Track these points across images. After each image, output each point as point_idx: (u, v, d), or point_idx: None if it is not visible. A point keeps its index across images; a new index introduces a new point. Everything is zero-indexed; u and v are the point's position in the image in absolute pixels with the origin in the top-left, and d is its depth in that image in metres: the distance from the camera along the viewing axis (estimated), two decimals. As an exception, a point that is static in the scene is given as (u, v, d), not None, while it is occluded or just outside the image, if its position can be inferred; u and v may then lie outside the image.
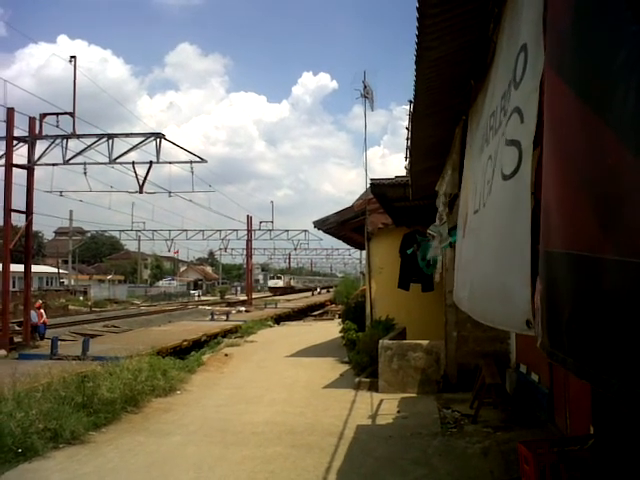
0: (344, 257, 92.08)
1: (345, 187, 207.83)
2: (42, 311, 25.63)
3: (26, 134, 21.79)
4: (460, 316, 12.33)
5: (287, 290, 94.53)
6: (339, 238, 25.96)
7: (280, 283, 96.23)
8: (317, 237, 61.37)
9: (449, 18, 4.69)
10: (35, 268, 32.19)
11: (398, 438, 8.94)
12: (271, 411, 10.96)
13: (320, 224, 20.53)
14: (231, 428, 9.70)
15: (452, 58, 5.48)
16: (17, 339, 22.08)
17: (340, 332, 18.39)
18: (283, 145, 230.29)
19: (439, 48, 5.19)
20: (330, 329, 24.81)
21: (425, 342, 12.66)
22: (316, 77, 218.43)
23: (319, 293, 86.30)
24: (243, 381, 14.29)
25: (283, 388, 13.29)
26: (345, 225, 19.92)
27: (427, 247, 12.18)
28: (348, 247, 54.47)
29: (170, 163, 24.09)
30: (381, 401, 11.53)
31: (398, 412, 10.73)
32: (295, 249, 71.69)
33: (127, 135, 22.83)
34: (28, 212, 21.86)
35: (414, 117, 7.38)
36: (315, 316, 44.23)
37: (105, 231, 77.31)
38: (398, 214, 15.73)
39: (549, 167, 2.30)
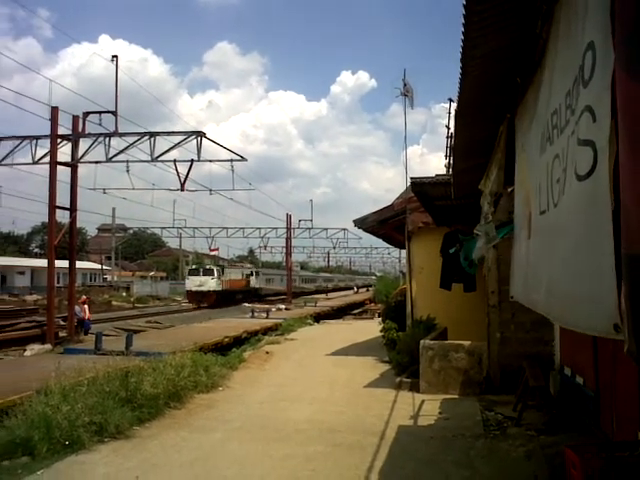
0: (383, 256, 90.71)
1: (383, 185, 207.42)
2: (86, 306, 26.16)
3: (69, 132, 22.12)
4: (503, 317, 12.20)
5: (225, 296, 57.22)
6: (379, 237, 25.87)
7: (210, 284, 56.48)
8: (356, 235, 61.31)
9: (495, 15, 4.64)
10: (79, 264, 32.77)
11: (440, 439, 8.86)
12: (312, 409, 10.99)
13: (360, 223, 20.49)
14: (273, 425, 9.75)
15: (497, 55, 5.42)
16: (62, 334, 22.52)
17: (380, 331, 18.32)
18: (321, 143, 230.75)
19: (484, 45, 5.14)
20: (370, 328, 24.73)
21: (467, 343, 12.54)
22: (355, 75, 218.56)
23: (356, 292, 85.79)
24: (284, 378, 14.35)
25: (324, 386, 13.30)
26: (385, 224, 19.84)
27: (470, 247, 12.05)
28: (387, 246, 54.20)
29: (211, 161, 24.20)
30: (422, 402, 11.45)
31: (440, 413, 10.64)
32: (334, 247, 71.58)
33: (169, 133, 23.03)
34: (72, 209, 22.19)
35: (458, 115, 7.31)
36: (355, 315, 44.20)
37: (147, 228, 78.21)
38: (439, 213, 15.61)
39: (626, 167, 2.25)
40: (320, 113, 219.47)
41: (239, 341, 22.40)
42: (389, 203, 19.60)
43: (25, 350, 19.43)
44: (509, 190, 8.15)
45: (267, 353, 18.25)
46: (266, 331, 26.01)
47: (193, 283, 57.68)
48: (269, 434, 9.22)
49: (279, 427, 9.62)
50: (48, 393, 9.14)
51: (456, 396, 11.95)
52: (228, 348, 20.20)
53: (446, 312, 16.06)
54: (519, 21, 4.84)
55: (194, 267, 62.02)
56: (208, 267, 61.36)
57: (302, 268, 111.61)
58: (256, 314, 34.56)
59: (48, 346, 19.77)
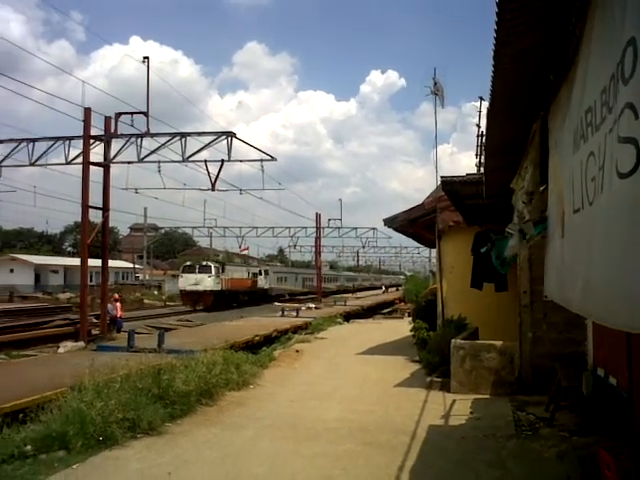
0: (413, 255, 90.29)
1: (413, 185, 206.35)
2: (118, 304, 26.49)
3: (102, 133, 22.39)
4: (535, 317, 12.09)
5: (225, 297, 50.94)
6: (409, 236, 25.79)
7: (207, 282, 49.58)
8: (386, 235, 61.07)
9: (527, 13, 4.62)
10: (111, 263, 33.14)
11: (471, 439, 8.82)
12: (342, 408, 11.00)
13: (390, 222, 20.46)
14: (303, 424, 9.79)
15: (530, 53, 5.39)
16: (94, 331, 22.81)
17: (410, 331, 18.27)
18: (350, 143, 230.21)
19: (517, 43, 5.12)
20: (400, 327, 24.67)
21: (499, 343, 12.45)
22: (384, 75, 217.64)
23: (385, 291, 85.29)
24: (314, 377, 14.39)
25: (354, 385, 13.31)
26: (415, 223, 19.78)
27: (502, 246, 11.97)
28: (417, 245, 54.06)
29: (241, 161, 24.28)
30: (453, 401, 11.40)
31: (471, 413, 10.59)
32: (363, 247, 71.49)
33: (199, 134, 23.17)
34: (105, 208, 22.44)
35: (489, 114, 7.28)
36: (384, 314, 44.09)
37: (178, 228, 78.75)
38: (470, 212, 15.52)
39: None
40: (349, 113, 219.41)
41: (269, 340, 22.50)
42: (419, 202, 19.54)
43: (59, 347, 19.68)
44: (541, 189, 8.09)
45: (297, 352, 18.31)
46: (296, 330, 26.07)
47: (187, 282, 50.16)
48: (299, 432, 9.27)
49: (309, 425, 9.66)
50: (82, 389, 9.29)
51: (487, 396, 11.88)
52: (258, 346, 20.31)
53: (477, 312, 15.95)
54: (552, 18, 4.80)
55: (188, 263, 53.96)
56: (205, 263, 52.82)
57: (331, 267, 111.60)
58: (286, 313, 34.68)
59: (81, 343, 20.01)
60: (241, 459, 7.93)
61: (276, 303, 51.41)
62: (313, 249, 65.76)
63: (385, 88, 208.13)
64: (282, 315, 33.63)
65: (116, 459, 7.84)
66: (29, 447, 7.92)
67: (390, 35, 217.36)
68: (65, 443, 8.01)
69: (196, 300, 48.41)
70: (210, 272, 50.40)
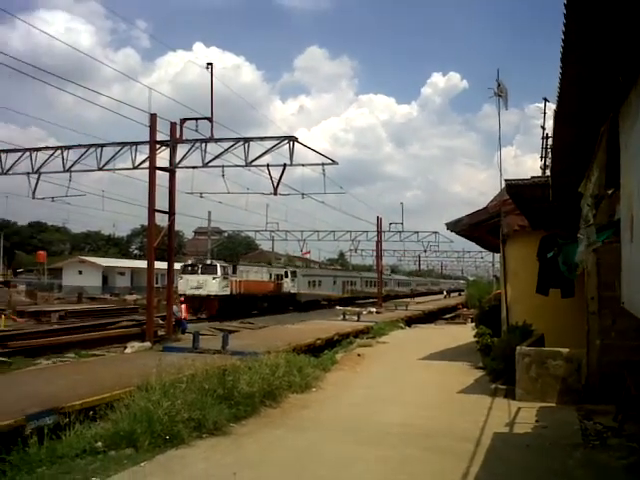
0: (475, 260, 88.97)
1: (476, 188, 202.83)
2: (183, 306, 27.04)
3: (167, 138, 22.87)
4: (603, 324, 11.78)
5: (236, 303, 43.42)
6: (472, 240, 25.49)
7: (211, 286, 41.69)
8: (447, 239, 60.31)
9: (596, 15, 4.53)
10: (177, 266, 33.66)
11: (536, 448, 8.65)
12: (405, 413, 10.95)
13: (452, 225, 20.26)
14: (366, 427, 9.78)
15: (599, 55, 5.28)
16: (160, 332, 23.32)
17: (474, 337, 18.04)
18: (412, 146, 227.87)
19: (585, 45, 5.02)
20: (462, 333, 24.40)
21: (565, 350, 12.17)
22: (445, 77, 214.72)
23: (446, 296, 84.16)
24: (376, 381, 14.37)
25: (417, 390, 13.24)
26: (478, 227, 19.52)
27: (569, 251, 11.72)
28: (480, 249, 53.35)
29: (303, 165, 24.39)
30: (518, 409, 11.18)
31: (536, 421, 10.37)
32: (425, 251, 70.81)
33: (262, 139, 23.41)
34: (170, 212, 22.92)
35: (557, 115, 7.17)
36: (447, 319, 43.66)
37: (241, 231, 79.77)
38: (535, 216, 15.22)
39: None
40: (410, 115, 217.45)
41: (331, 343, 22.58)
42: (482, 206, 19.30)
43: (126, 347, 20.18)
44: (609, 192, 7.90)
45: (359, 356, 18.33)
46: (357, 334, 26.11)
47: (188, 284, 41.92)
48: (362, 436, 9.26)
49: (372, 429, 9.65)
50: (149, 389, 9.47)
51: (553, 404, 11.62)
52: (320, 350, 20.40)
53: (542, 318, 15.61)
54: (622, 19, 4.69)
55: (190, 262, 46.62)
56: (209, 262, 44.84)
57: (392, 271, 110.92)
58: (347, 317, 34.71)
59: (147, 344, 20.47)
60: (305, 461, 7.99)
61: (337, 307, 51.16)
62: (374, 253, 65.51)
63: (447, 90, 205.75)
64: (343, 319, 33.69)
65: (182, 458, 7.99)
66: (99, 444, 8.16)
67: (451, 37, 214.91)
68: (133, 441, 8.20)
69: (198, 307, 40.28)
70: (215, 273, 42.49)
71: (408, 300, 66.77)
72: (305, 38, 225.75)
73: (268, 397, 11.15)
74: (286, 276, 55.09)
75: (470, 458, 7.98)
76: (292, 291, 55.28)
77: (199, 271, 42.74)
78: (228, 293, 42.86)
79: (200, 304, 40.67)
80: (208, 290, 41.54)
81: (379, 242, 58.19)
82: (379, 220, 56.80)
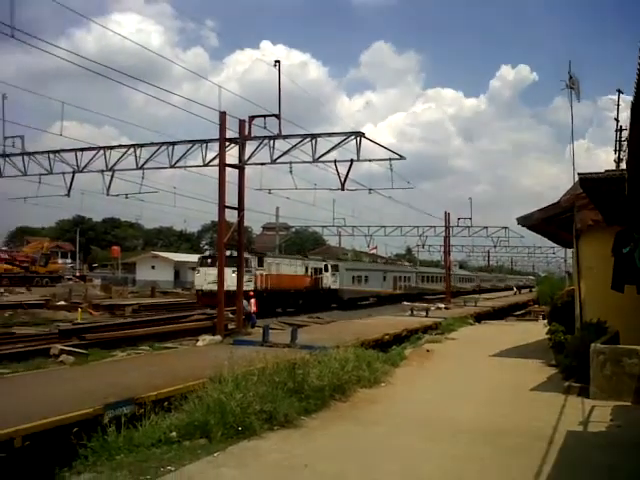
0: (547, 255, 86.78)
1: (547, 182, 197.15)
2: (253, 301, 27.46)
3: (236, 135, 23.23)
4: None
5: (264, 300, 35.80)
6: (543, 235, 24.98)
7: (230, 281, 27.13)
8: (518, 234, 59.00)
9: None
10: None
11: (612, 447, 8.45)
12: (476, 409, 10.87)
13: (523, 220, 19.90)
14: (435, 423, 9.77)
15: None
16: (230, 326, 23.78)
17: (546, 333, 17.69)
18: (480, 140, 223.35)
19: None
20: (533, 330, 23.98)
21: (642, 348, 11.84)
22: (515, 69, 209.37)
23: (516, 293, 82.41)
24: (446, 377, 14.31)
25: (487, 387, 13.11)
26: (550, 222, 19.12)
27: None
28: (552, 245, 52.11)
29: (370, 161, 24.37)
30: (592, 408, 10.92)
31: (611, 420, 10.12)
32: (494, 246, 69.63)
33: (329, 135, 23.51)
34: (240, 208, 23.32)
35: (634, 108, 6.97)
36: (517, 316, 42.94)
37: (309, 227, 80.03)
38: (610, 211, 14.81)
39: None
40: (479, 109, 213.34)
41: (399, 339, 22.52)
42: (553, 200, 18.88)
43: (197, 340, 20.63)
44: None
45: (428, 351, 18.24)
46: (426, 329, 25.96)
47: (204, 278, 36.74)
48: (432, 432, 9.25)
49: (443, 426, 9.62)
50: (222, 381, 9.66)
51: (629, 403, 11.30)
52: (388, 345, 20.39)
53: (617, 315, 15.19)
54: None
55: (207, 254, 41.49)
56: (229, 253, 31.93)
57: (461, 267, 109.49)
58: (415, 312, 34.55)
59: (218, 337, 20.89)
60: (375, 455, 8.03)
61: (405, 302, 50.69)
62: (442, 248, 64.78)
63: (516, 83, 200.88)
64: (411, 315, 33.55)
65: (254, 449, 8.13)
66: (174, 434, 8.39)
67: (521, 28, 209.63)
68: (206, 432, 8.40)
69: (215, 305, 33.42)
70: (234, 265, 32.73)
71: (477, 296, 65.77)
72: (371, 33, 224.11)
73: (337, 391, 11.22)
74: (326, 270, 50.00)
75: (543, 457, 7.86)
76: (333, 287, 50.41)
77: (217, 263, 34.53)
78: (252, 288, 35.77)
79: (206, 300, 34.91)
80: (227, 285, 32.14)
81: (447, 237, 57.60)
82: (447, 215, 56.24)
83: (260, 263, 40.16)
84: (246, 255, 35.68)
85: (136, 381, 11.50)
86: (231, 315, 24.98)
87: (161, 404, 9.71)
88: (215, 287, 29.94)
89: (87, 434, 7.99)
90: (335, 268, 51.25)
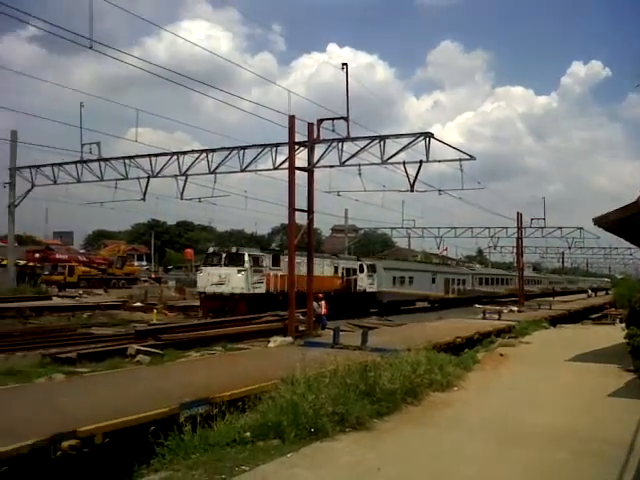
0: (624, 257, 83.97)
1: (623, 181, 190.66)
2: (323, 303, 27.61)
3: (305, 139, 23.39)
4: None
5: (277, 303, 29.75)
6: (620, 236, 24.23)
7: (236, 281, 31.37)
8: (594, 235, 57.27)
9: None
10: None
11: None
12: (551, 415, 10.64)
13: (599, 221, 19.29)
14: (510, 428, 9.62)
15: None
16: (301, 327, 23.97)
17: (624, 338, 17.15)
18: (552, 138, 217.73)
19: None
20: (610, 334, 23.20)
21: None
22: (586, 65, 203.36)
23: (590, 295, 79.78)
24: (520, 382, 14.04)
25: (563, 392, 12.82)
26: (628, 222, 18.53)
27: None
28: (629, 246, 50.44)
29: (439, 162, 24.23)
30: (673, 414, 10.57)
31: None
32: (569, 248, 67.82)
33: (397, 136, 23.48)
34: (309, 211, 23.51)
35: None
36: (593, 319, 41.69)
37: (377, 228, 79.85)
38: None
39: None
40: (550, 107, 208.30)
41: (471, 342, 22.18)
42: (630, 200, 18.28)
43: (269, 342, 20.84)
44: None
45: (501, 355, 17.93)
46: (499, 333, 25.49)
47: (208, 279, 32.75)
48: (506, 437, 9.12)
49: (516, 431, 9.47)
50: (294, 382, 9.74)
51: None
52: (460, 348, 20.11)
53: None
54: None
55: (211, 250, 35.92)
56: (235, 250, 33.45)
57: (534, 269, 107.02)
58: (487, 315, 33.98)
59: (289, 339, 21.09)
60: (449, 459, 7.98)
61: (476, 305, 49.78)
62: (514, 250, 63.48)
63: (587, 79, 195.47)
64: (483, 318, 32.99)
65: (327, 451, 8.17)
66: (248, 434, 8.52)
67: (592, 23, 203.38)
68: (279, 433, 8.50)
69: (219, 309, 30.99)
70: (242, 265, 31.99)
71: (551, 299, 64.11)
72: (437, 33, 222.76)
73: (409, 394, 11.17)
74: (361, 270, 43.24)
75: (623, 465, 7.65)
76: (369, 289, 43.59)
77: (222, 262, 32.74)
78: (263, 291, 32.54)
79: (221, 305, 31.43)
80: (232, 287, 31.65)
81: (519, 238, 56.37)
82: (519, 216, 55.07)
83: (275, 262, 34.06)
84: (255, 252, 34.28)
85: (210, 381, 11.66)
86: (302, 317, 25.13)
87: (235, 404, 9.82)
88: (219, 289, 31.69)
89: (164, 433, 8.18)
90: (372, 268, 44.59)
